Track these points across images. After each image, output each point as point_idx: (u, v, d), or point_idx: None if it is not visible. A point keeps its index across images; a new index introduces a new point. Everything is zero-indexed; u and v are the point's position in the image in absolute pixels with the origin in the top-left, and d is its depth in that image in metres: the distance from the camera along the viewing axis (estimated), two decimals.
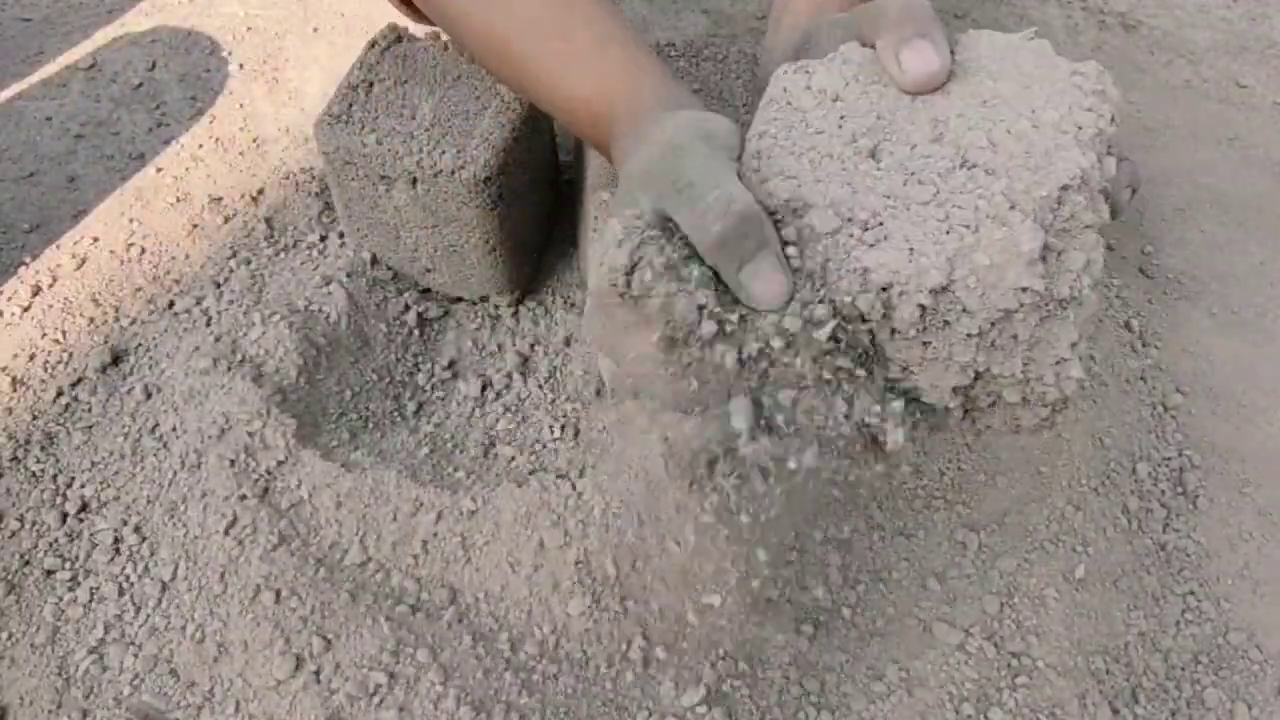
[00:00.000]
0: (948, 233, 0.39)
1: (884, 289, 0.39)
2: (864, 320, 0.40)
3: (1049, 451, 0.65)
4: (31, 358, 0.68)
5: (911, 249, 0.39)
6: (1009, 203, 0.39)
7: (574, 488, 0.60)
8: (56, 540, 0.60)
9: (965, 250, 0.38)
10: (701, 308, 0.39)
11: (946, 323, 0.39)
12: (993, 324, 0.39)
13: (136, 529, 0.60)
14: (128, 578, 0.58)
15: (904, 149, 0.42)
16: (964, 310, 0.39)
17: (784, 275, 0.39)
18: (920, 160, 0.41)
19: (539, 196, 0.73)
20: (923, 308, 0.39)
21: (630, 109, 0.50)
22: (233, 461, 0.60)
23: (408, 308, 0.71)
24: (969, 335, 0.39)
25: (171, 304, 0.72)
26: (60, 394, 0.66)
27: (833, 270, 0.40)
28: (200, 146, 0.85)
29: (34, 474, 0.63)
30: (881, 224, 0.40)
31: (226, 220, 0.78)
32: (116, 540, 0.60)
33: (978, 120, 0.42)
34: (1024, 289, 0.38)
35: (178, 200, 0.80)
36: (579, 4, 0.54)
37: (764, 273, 0.39)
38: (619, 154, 0.50)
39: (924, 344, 0.40)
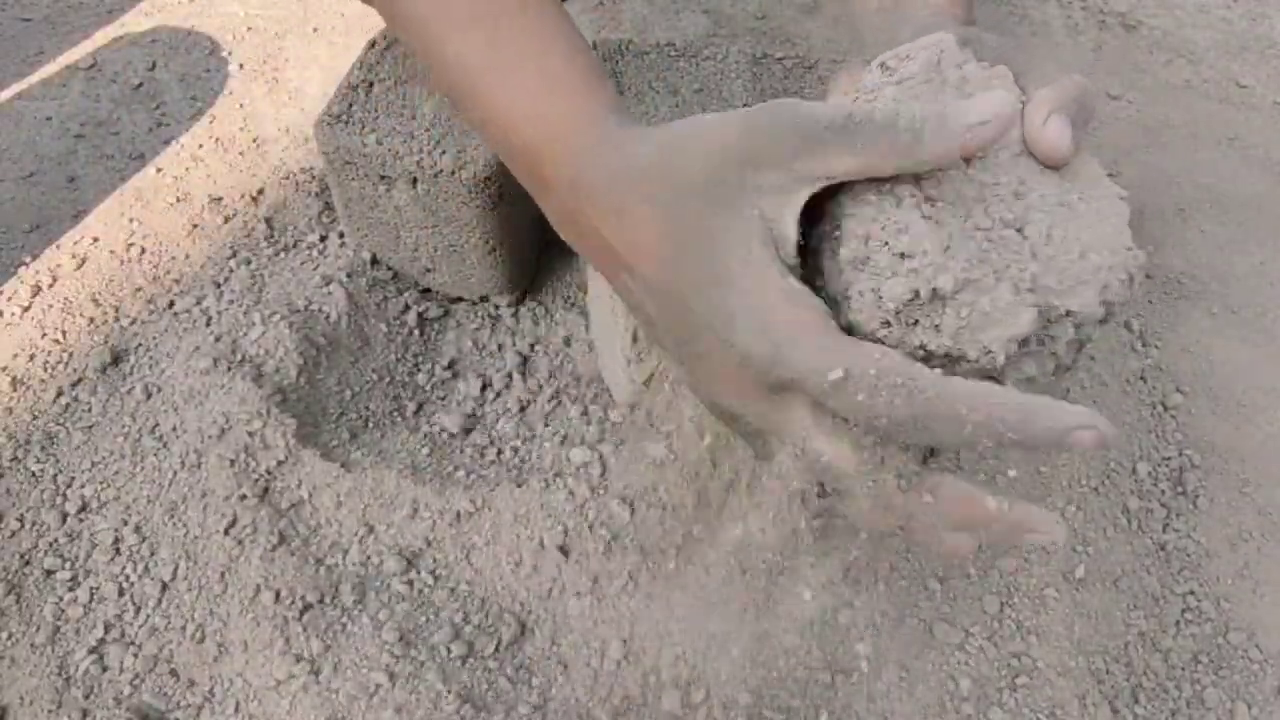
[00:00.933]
0: (980, 259, 0.39)
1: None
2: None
3: (1049, 451, 0.65)
4: (31, 358, 0.68)
5: (948, 247, 0.38)
6: (1030, 287, 0.39)
7: (573, 488, 0.60)
8: (56, 540, 0.60)
9: (982, 286, 0.38)
10: None
11: (916, 321, 0.39)
12: (930, 355, 0.39)
13: (136, 529, 0.60)
14: (128, 578, 0.58)
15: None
16: (935, 327, 0.38)
17: (997, 92, 0.34)
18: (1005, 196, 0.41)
19: None
20: (934, 291, 0.38)
21: (592, 126, 0.43)
22: (233, 461, 0.60)
23: (408, 308, 0.71)
24: (922, 348, 0.39)
25: (171, 304, 0.72)
26: (60, 394, 0.66)
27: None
28: (200, 146, 0.85)
29: (34, 474, 0.63)
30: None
31: (226, 220, 0.78)
32: (116, 540, 0.60)
33: (1048, 208, 0.42)
34: (989, 352, 0.38)
35: (178, 200, 0.80)
36: (520, 9, 0.46)
37: (981, 98, 0.34)
38: (591, 177, 0.41)
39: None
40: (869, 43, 0.53)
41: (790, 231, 0.36)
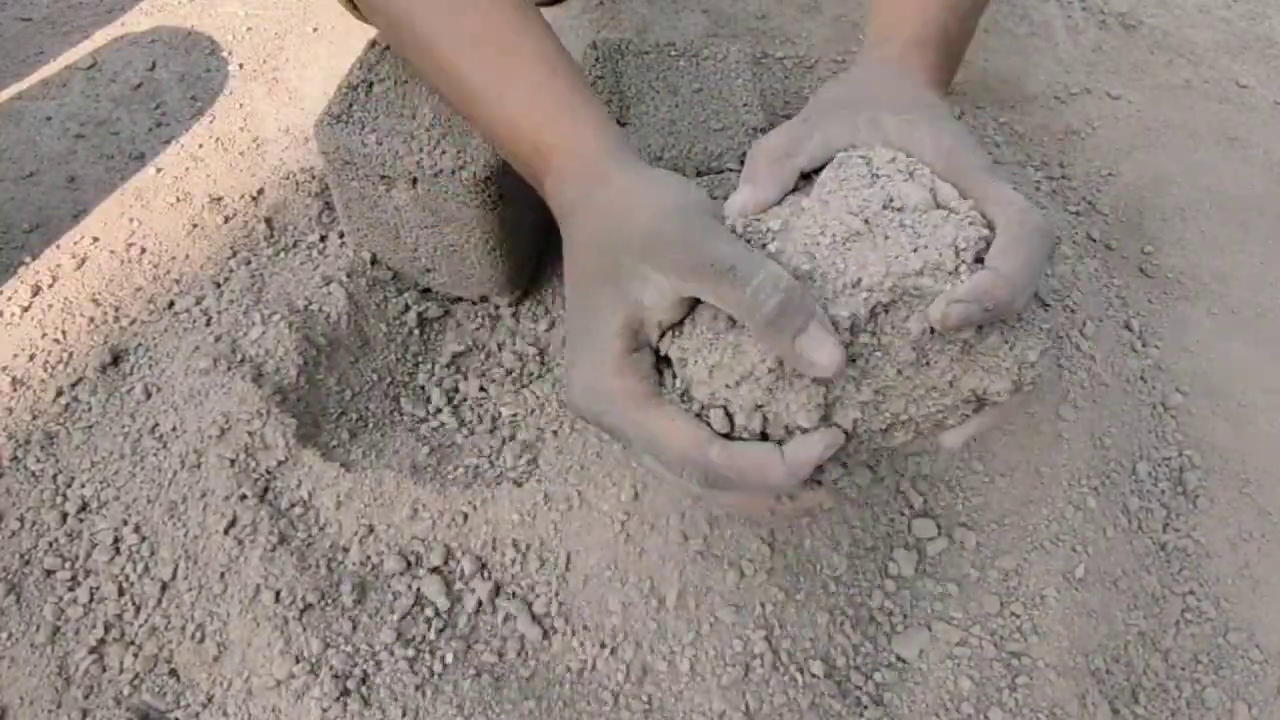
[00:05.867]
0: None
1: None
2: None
3: (1049, 451, 0.65)
4: (31, 358, 0.68)
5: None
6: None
7: (574, 488, 0.60)
8: (56, 540, 0.60)
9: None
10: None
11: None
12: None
13: (136, 529, 0.60)
14: (128, 578, 0.58)
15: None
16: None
17: (836, 340, 0.40)
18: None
19: (539, 196, 0.73)
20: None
21: (577, 149, 0.49)
22: (233, 461, 0.60)
23: (408, 308, 0.71)
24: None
25: (171, 304, 0.72)
26: (60, 394, 0.66)
27: None
28: (200, 146, 0.85)
29: (34, 474, 0.62)
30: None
31: (226, 220, 0.78)
32: (116, 540, 0.60)
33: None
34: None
35: (178, 200, 0.80)
36: (524, 30, 0.53)
37: (823, 342, 0.39)
38: (570, 199, 0.49)
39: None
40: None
41: (662, 317, 0.43)
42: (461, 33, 0.53)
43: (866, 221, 0.42)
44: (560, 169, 0.49)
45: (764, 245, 0.44)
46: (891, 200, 0.43)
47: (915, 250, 0.41)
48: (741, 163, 0.71)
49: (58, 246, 0.76)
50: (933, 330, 0.42)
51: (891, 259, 0.41)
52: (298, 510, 0.59)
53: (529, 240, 0.73)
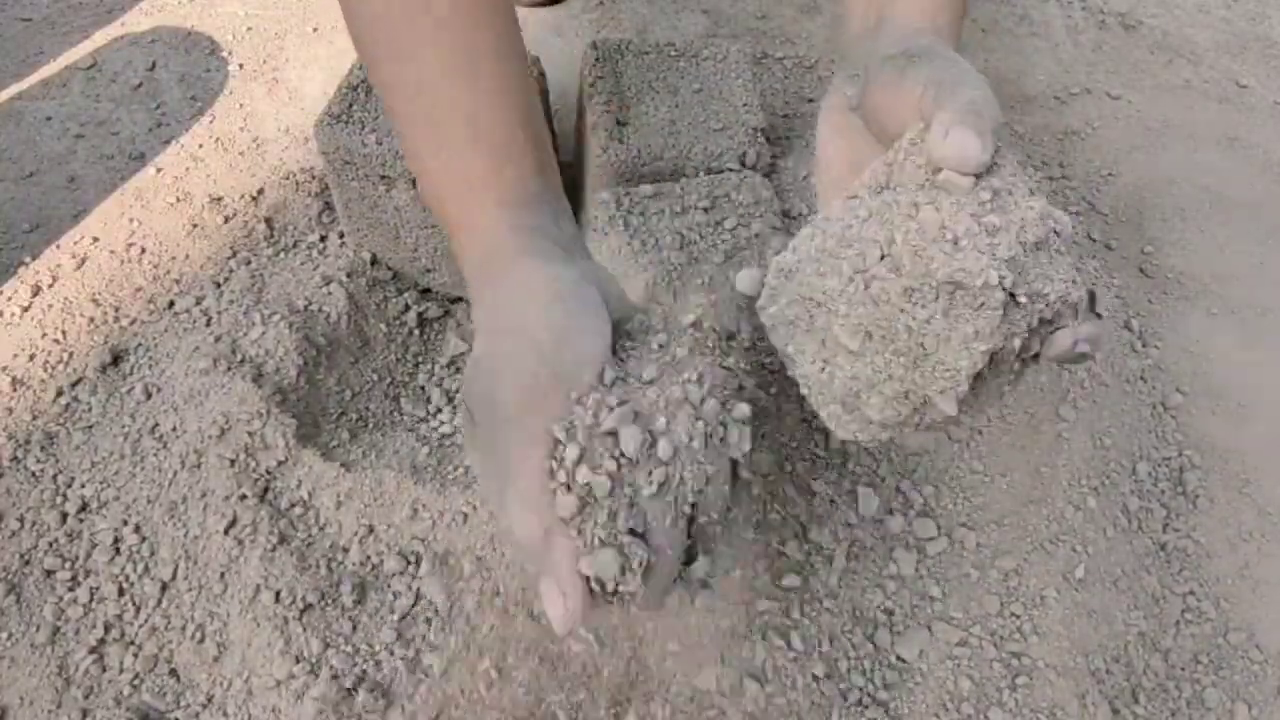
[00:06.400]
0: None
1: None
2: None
3: (1049, 451, 0.65)
4: (31, 358, 0.68)
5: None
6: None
7: None
8: (56, 540, 0.60)
9: None
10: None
11: None
12: None
13: (136, 529, 0.60)
14: (128, 578, 0.58)
15: None
16: None
17: (566, 606, 0.39)
18: None
19: None
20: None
21: (474, 234, 0.47)
22: (233, 461, 0.60)
23: (408, 308, 0.71)
24: None
25: (171, 304, 0.72)
26: (60, 394, 0.66)
27: None
28: (200, 146, 0.85)
29: (34, 474, 0.62)
30: None
31: (226, 220, 0.78)
32: (116, 540, 0.60)
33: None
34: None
35: (178, 200, 0.80)
36: (459, 88, 0.48)
37: (550, 594, 0.39)
38: (471, 288, 0.47)
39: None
40: (851, 60, 0.53)
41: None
42: (404, 86, 0.49)
43: (955, 241, 0.38)
44: (460, 248, 0.48)
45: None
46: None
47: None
48: (742, 163, 0.71)
49: (58, 246, 0.76)
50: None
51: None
52: (298, 510, 0.59)
53: None
